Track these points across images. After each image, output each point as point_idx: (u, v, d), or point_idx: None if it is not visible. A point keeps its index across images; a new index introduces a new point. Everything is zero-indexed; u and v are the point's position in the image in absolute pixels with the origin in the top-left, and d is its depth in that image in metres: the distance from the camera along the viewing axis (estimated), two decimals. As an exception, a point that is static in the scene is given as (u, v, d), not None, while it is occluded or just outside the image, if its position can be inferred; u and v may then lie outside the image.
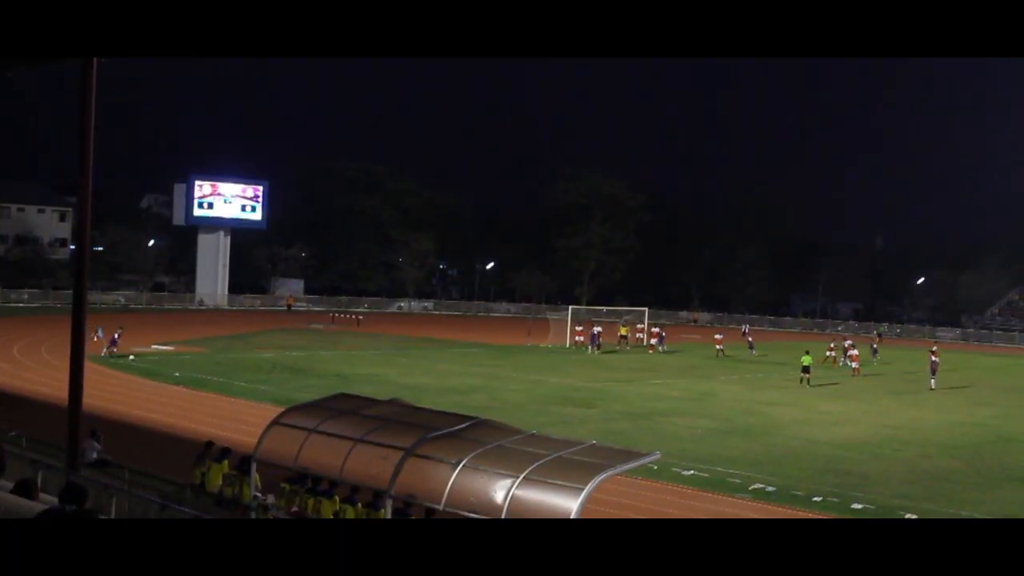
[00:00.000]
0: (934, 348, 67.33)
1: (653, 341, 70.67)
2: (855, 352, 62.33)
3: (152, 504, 17.25)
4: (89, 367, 23.49)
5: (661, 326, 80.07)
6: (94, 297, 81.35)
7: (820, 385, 51.62)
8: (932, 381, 53.06)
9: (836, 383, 53.89)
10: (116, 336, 50.36)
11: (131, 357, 49.33)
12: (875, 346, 72.70)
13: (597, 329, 68.34)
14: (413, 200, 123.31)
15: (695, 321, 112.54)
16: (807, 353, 53.51)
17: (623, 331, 71.88)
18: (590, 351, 65.86)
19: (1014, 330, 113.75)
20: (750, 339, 73.06)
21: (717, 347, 67.22)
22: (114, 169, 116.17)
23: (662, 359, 64.17)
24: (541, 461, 15.39)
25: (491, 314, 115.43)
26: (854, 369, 59.52)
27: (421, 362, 55.12)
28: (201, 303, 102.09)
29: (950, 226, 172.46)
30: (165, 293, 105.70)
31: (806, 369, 51.96)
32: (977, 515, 24.45)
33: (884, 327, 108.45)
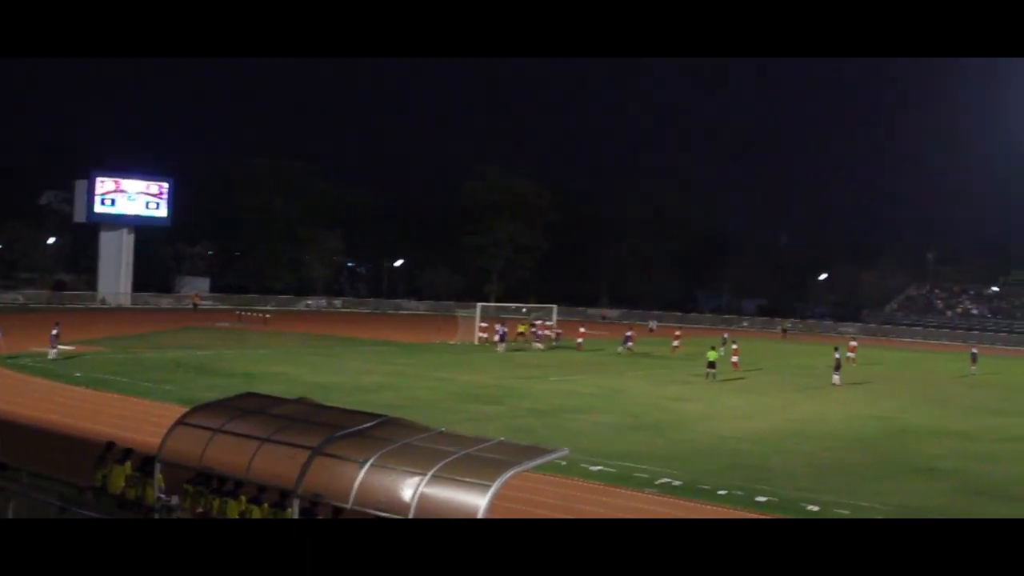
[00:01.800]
0: (852, 343, 68.89)
1: (579, 340, 70.47)
2: (735, 346, 63.15)
3: (52, 507, 16.90)
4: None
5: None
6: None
7: (726, 380, 52.37)
8: (836, 377, 53.70)
9: (742, 378, 54.72)
10: (55, 333, 49.21)
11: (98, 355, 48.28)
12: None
13: (503, 328, 68.09)
14: (321, 197, 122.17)
15: (604, 318, 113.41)
16: (713, 349, 54.26)
17: (522, 328, 71.75)
18: (499, 349, 65.66)
19: (913, 325, 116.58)
20: (676, 342, 71.96)
21: (628, 344, 67.92)
22: (12, 166, 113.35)
23: (568, 356, 64.37)
24: (449, 459, 15.38)
25: (400, 312, 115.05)
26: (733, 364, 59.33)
27: (329, 360, 54.74)
28: (104, 302, 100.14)
29: (852, 223, 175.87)
30: (66, 292, 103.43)
31: (712, 364, 52.63)
32: (877, 506, 25.00)
33: (788, 322, 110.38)
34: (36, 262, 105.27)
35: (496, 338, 67.38)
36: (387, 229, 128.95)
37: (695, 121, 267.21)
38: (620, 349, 67.48)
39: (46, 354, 48.18)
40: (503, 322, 70.55)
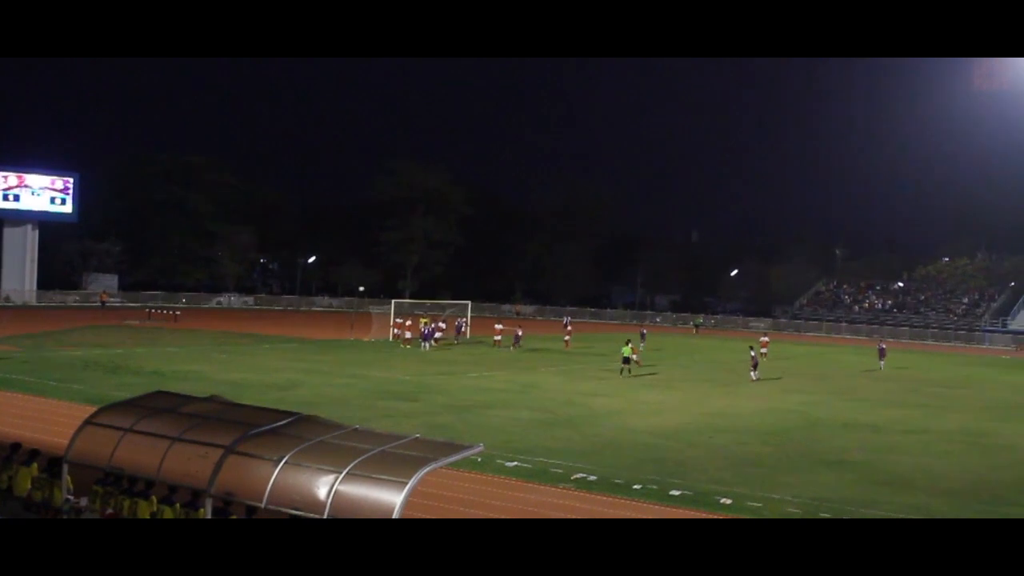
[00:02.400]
0: (764, 339, 69.57)
1: (498, 338, 69.66)
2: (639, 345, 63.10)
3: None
4: None
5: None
6: None
7: (639, 375, 52.80)
8: (753, 374, 54.52)
9: (655, 373, 55.21)
10: None
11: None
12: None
13: (433, 325, 67.21)
14: (232, 193, 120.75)
15: (518, 314, 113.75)
16: (627, 343, 54.64)
17: (424, 321, 71.53)
18: (424, 347, 64.31)
19: (821, 320, 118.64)
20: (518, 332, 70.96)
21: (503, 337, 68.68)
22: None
23: (483, 352, 64.37)
24: (364, 456, 15.31)
25: (313, 308, 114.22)
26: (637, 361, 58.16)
27: (241, 358, 54.11)
28: (7, 299, 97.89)
29: (762, 221, 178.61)
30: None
31: (626, 360, 52.99)
32: (788, 498, 25.38)
33: (701, 318, 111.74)
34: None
35: (421, 336, 65.83)
36: (300, 225, 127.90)
37: (611, 119, 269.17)
38: (512, 348, 66.41)
39: None
40: (431, 319, 69.87)
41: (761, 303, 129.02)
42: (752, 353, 56.40)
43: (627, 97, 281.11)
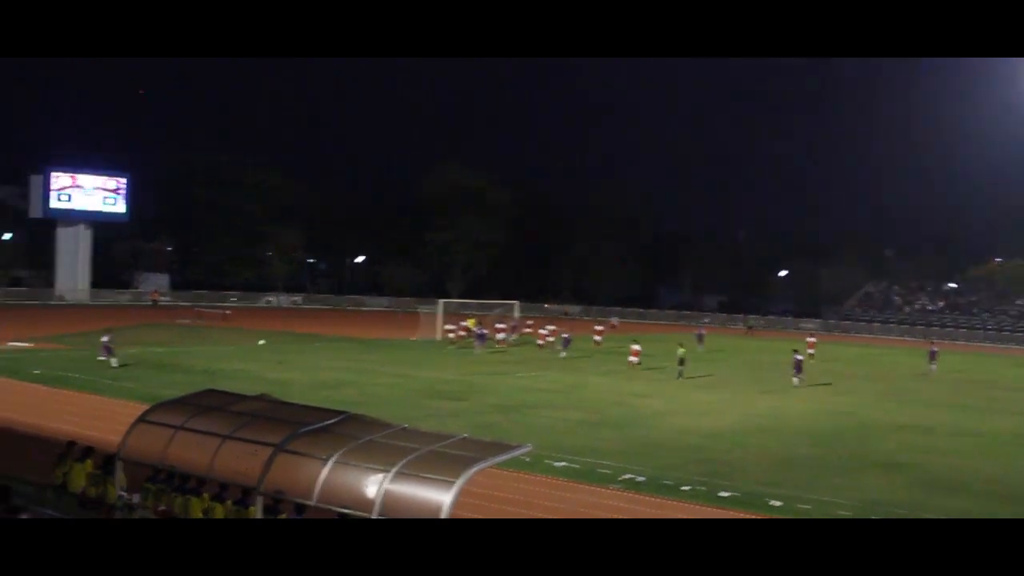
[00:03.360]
0: (811, 339, 68.59)
1: (551, 339, 67.02)
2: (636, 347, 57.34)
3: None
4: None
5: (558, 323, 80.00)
6: (-53, 293, 78.45)
7: (690, 377, 52.54)
8: (796, 379, 51.33)
9: (711, 375, 54.77)
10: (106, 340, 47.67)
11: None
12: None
13: (481, 329, 65.58)
14: (281, 193, 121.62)
15: (566, 314, 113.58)
16: (681, 345, 54.24)
17: (470, 323, 71.11)
18: (476, 351, 62.24)
19: (871, 321, 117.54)
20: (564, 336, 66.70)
21: (595, 338, 67.95)
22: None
23: (530, 352, 64.19)
24: (413, 455, 15.34)
25: (361, 308, 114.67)
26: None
27: (290, 357, 54.44)
28: (62, 298, 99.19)
29: (811, 220, 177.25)
30: (23, 288, 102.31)
31: (682, 361, 52.56)
32: (839, 500, 25.16)
33: (752, 319, 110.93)
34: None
35: (475, 337, 64.27)
36: (348, 225, 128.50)
37: (659, 117, 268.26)
38: (563, 354, 62.07)
39: (108, 363, 46.28)
40: (481, 320, 69.53)
41: (810, 304, 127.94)
42: (796, 356, 52.82)
43: (675, 95, 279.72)
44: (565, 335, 63.94)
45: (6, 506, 12.07)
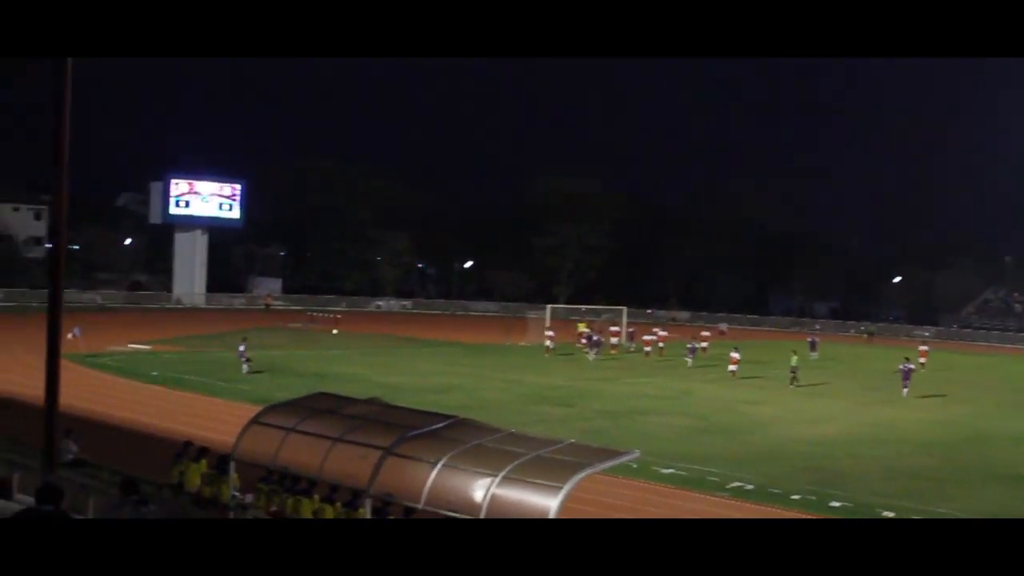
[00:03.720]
0: (923, 348, 66.76)
1: (661, 346, 66.09)
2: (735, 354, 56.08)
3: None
4: (65, 366, 23.34)
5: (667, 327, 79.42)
6: (70, 296, 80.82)
7: (801, 385, 51.74)
8: (905, 390, 48.97)
9: (825, 382, 53.76)
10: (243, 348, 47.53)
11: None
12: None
13: (596, 335, 64.41)
14: (390, 199, 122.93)
15: (674, 320, 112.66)
16: (795, 353, 53.36)
17: (581, 327, 70.55)
18: (591, 357, 60.67)
19: (990, 329, 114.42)
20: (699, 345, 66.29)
21: (701, 344, 66.15)
22: (90, 167, 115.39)
23: (637, 357, 63.76)
24: (520, 460, 15.38)
25: (469, 313, 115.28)
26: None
27: (399, 361, 55.00)
28: (179, 302, 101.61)
29: (926, 226, 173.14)
30: (142, 292, 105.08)
31: (795, 369, 51.73)
32: (955, 512, 24.58)
33: (873, 326, 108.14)
34: (113, 263, 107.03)
35: (588, 343, 62.77)
36: (456, 230, 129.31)
37: (770, 121, 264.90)
38: (689, 363, 60.16)
39: (241, 369, 46.23)
40: (593, 326, 69.03)
41: (925, 311, 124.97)
42: (908, 366, 50.06)
43: (786, 98, 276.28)
44: (690, 344, 62.15)
45: (137, 497, 12.54)
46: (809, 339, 73.72)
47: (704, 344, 67.37)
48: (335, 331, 74.52)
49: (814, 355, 67.61)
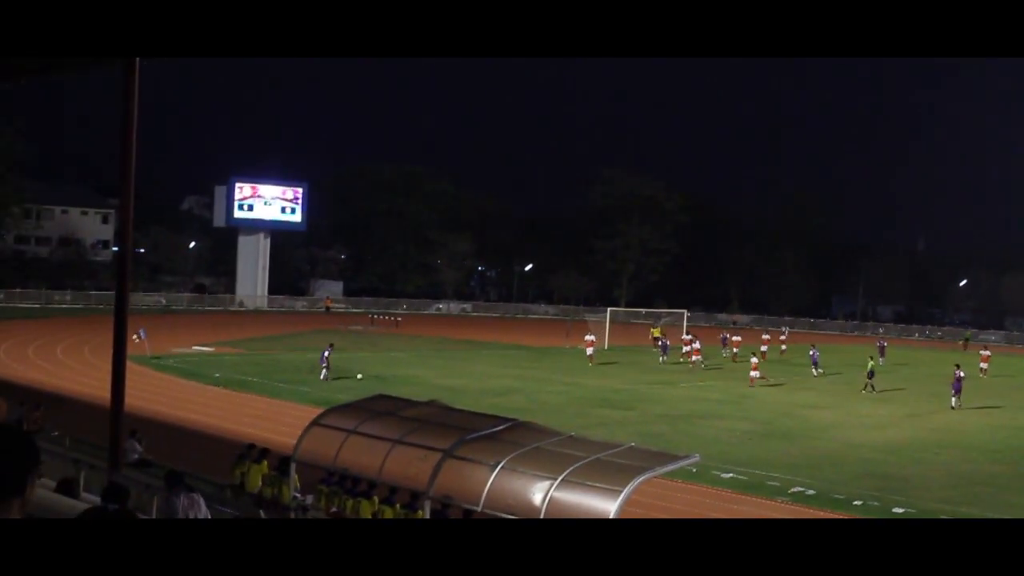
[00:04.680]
0: (985, 352, 64.61)
1: (763, 348, 64.10)
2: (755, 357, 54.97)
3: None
4: (131, 368, 23.70)
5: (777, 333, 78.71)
6: (136, 298, 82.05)
7: (864, 389, 51.10)
8: (954, 400, 45.47)
9: (894, 388, 52.96)
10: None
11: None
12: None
13: (664, 340, 63.97)
14: (450, 201, 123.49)
15: (735, 323, 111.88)
16: (872, 358, 52.37)
17: (656, 332, 69.63)
18: (662, 360, 60.89)
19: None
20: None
21: (762, 347, 64.92)
22: (156, 171, 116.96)
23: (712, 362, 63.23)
24: (579, 463, 15.38)
25: (529, 316, 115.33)
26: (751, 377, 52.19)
27: (459, 364, 55.16)
28: (241, 304, 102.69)
29: (993, 227, 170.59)
30: (206, 294, 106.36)
31: (871, 374, 50.51)
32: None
33: (969, 332, 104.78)
34: (178, 266, 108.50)
35: (659, 348, 62.95)
36: (516, 233, 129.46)
37: (833, 122, 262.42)
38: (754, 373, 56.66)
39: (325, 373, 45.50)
40: (663, 331, 68.43)
41: (992, 314, 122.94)
42: (959, 373, 46.10)
43: (849, 99, 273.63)
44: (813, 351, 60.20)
45: (185, 488, 12.78)
46: (878, 344, 72.45)
47: (735, 349, 65.78)
48: (398, 319, 74.65)
49: (882, 360, 66.52)
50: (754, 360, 53.61)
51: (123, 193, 21.06)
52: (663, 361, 60.52)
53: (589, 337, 60.58)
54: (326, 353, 46.09)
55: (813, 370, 58.15)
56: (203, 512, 14.51)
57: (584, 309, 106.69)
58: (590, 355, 58.45)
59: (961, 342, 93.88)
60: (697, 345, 59.51)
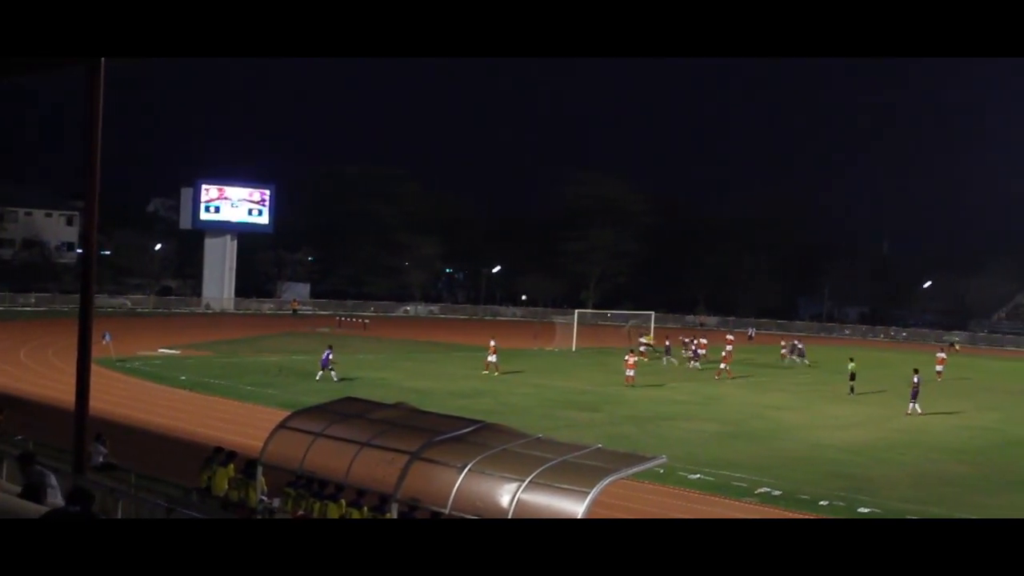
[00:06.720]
0: (940, 355, 64.37)
1: (783, 350, 68.50)
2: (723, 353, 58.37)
3: (158, 508, 17.27)
4: (95, 371, 23.53)
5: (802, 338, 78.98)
6: (101, 301, 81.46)
7: (828, 389, 51.41)
8: (912, 405, 44.15)
9: (871, 392, 53.31)
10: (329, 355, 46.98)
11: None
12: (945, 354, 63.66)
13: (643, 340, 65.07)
14: (418, 203, 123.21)
15: (702, 324, 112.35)
16: (852, 360, 52.59)
17: (647, 339, 68.74)
18: (692, 366, 60.45)
19: (1021, 334, 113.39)
20: (798, 346, 69.24)
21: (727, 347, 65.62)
22: (121, 173, 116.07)
23: (671, 365, 63.47)
24: (547, 465, 15.42)
25: (497, 318, 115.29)
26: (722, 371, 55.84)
27: (427, 366, 55.12)
28: (208, 307, 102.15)
29: (958, 230, 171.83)
30: (172, 297, 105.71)
31: (853, 376, 50.73)
32: (987, 518, 24.40)
33: (957, 335, 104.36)
34: (144, 268, 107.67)
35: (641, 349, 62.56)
36: (484, 235, 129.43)
37: (797, 123, 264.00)
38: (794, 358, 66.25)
39: (321, 375, 46.21)
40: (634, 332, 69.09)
41: (956, 316, 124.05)
42: (916, 379, 44.75)
43: (814, 100, 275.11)
44: (800, 345, 67.47)
45: (34, 469, 12.83)
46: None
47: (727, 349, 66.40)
48: (366, 321, 74.62)
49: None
50: (724, 353, 56.56)
51: (88, 195, 20.93)
52: (693, 367, 59.98)
53: (492, 343, 53.85)
54: (329, 355, 46.68)
55: (797, 359, 63.04)
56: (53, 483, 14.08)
57: (552, 311, 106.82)
58: (492, 362, 52.77)
59: (948, 346, 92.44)
60: (729, 348, 60.42)
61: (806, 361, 65.34)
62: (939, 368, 60.04)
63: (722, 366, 55.84)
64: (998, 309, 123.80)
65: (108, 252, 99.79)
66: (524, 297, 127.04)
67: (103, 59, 19.91)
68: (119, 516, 17.48)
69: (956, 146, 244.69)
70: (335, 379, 45.53)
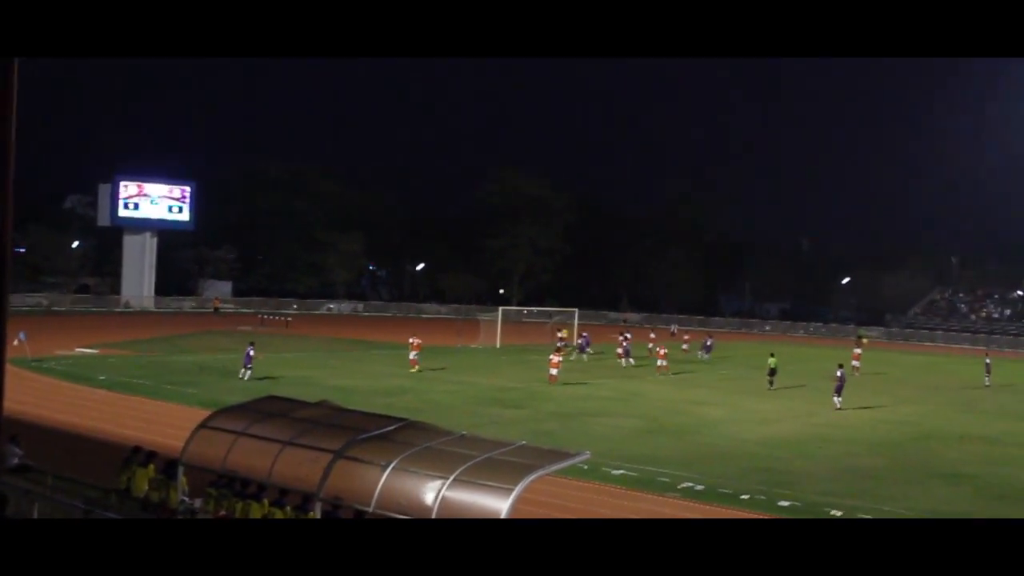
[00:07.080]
0: (856, 351, 65.69)
1: (684, 346, 70.94)
2: (662, 351, 58.69)
3: (76, 510, 16.99)
4: (11, 371, 23.04)
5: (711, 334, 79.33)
6: (16, 300, 79.82)
7: (748, 384, 52.03)
8: (837, 400, 45.08)
9: (791, 386, 54.09)
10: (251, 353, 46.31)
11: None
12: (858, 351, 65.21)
13: (586, 336, 66.43)
14: (340, 201, 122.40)
15: (625, 321, 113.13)
16: (772, 355, 53.22)
17: (564, 333, 69.78)
18: (625, 364, 60.25)
19: (934, 328, 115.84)
20: (707, 343, 70.55)
21: (649, 345, 66.30)
22: (36, 169, 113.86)
23: (590, 360, 63.84)
24: (471, 462, 15.42)
25: (421, 315, 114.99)
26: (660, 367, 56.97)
27: (350, 364, 54.84)
28: (127, 305, 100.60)
29: (875, 227, 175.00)
30: (90, 295, 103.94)
31: (772, 371, 51.35)
32: (901, 511, 24.88)
33: (865, 332, 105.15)
34: (60, 266, 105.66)
35: (576, 345, 64.98)
36: (407, 232, 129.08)
37: (718, 122, 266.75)
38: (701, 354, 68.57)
39: (241, 375, 45.63)
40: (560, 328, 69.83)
41: (873, 311, 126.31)
42: (839, 372, 45.97)
43: (733, 98, 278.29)
44: (709, 342, 69.61)
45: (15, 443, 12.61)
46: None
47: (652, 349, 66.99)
48: (289, 319, 73.89)
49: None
50: (661, 350, 58.10)
51: (2, 191, 20.47)
52: (627, 364, 60.10)
53: (413, 340, 53.90)
54: (251, 352, 46.18)
55: (703, 355, 65.39)
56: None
57: (476, 308, 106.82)
58: (414, 359, 52.86)
59: (857, 340, 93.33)
60: (663, 351, 59.46)
61: (707, 357, 67.61)
62: (855, 363, 61.00)
63: (660, 363, 57.12)
64: (914, 305, 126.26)
65: (23, 249, 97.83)
66: (446, 293, 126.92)
67: (16, 59, 19.47)
68: (35, 518, 17.17)
69: (876, 144, 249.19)
70: (245, 378, 44.94)
